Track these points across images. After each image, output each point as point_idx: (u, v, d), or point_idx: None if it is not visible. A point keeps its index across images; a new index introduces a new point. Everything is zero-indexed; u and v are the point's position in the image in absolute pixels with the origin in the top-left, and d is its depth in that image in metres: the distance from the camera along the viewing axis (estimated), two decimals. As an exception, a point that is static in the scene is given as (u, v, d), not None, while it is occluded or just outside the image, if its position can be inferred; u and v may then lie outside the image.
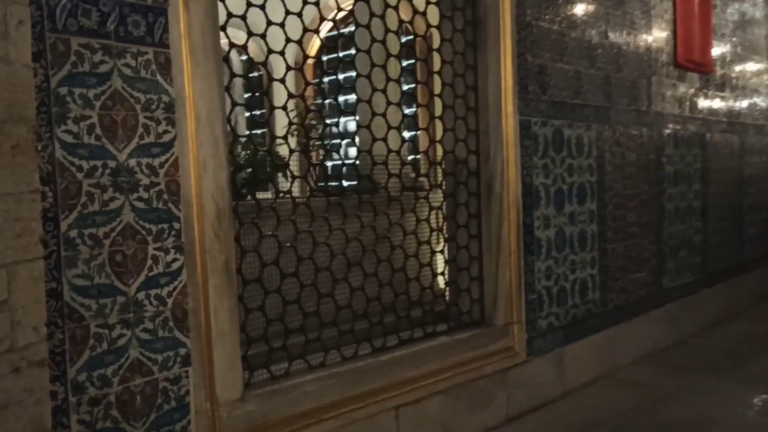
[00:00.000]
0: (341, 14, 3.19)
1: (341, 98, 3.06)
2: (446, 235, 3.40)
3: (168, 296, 2.13)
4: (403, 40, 3.84)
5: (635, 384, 4.12)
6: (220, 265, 2.29)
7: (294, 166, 2.85)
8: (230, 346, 2.32)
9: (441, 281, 3.42)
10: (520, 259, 3.58)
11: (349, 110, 3.24)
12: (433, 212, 3.32)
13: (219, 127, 2.30)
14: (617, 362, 4.39)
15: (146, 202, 2.08)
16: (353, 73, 3.10)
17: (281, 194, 2.68)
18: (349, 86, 3.23)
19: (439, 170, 3.38)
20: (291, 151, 2.81)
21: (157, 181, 2.10)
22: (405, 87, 3.62)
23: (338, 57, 3.17)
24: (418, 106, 3.18)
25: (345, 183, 3.40)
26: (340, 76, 3.12)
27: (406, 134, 3.79)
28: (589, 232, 4.15)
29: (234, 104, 2.49)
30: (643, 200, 4.74)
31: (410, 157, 3.62)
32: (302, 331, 2.69)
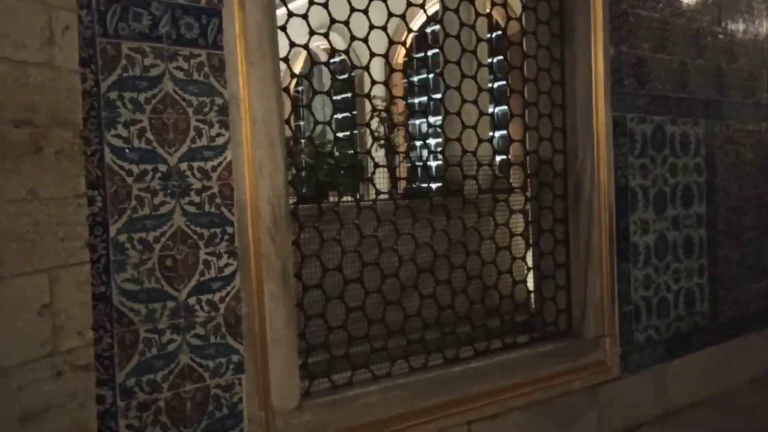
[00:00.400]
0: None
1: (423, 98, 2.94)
2: (530, 241, 3.19)
3: (220, 302, 2.10)
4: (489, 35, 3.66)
5: (750, 408, 3.72)
6: (277, 270, 2.24)
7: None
8: (287, 354, 2.26)
9: (525, 289, 3.22)
10: (613, 267, 3.31)
11: (425, 110, 3.12)
12: (515, 216, 3.12)
13: (276, 129, 2.24)
14: (730, 382, 3.97)
15: (198, 206, 2.05)
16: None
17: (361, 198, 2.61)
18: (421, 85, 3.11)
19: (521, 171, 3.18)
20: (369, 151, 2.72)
21: (209, 185, 2.07)
22: (489, 84, 3.43)
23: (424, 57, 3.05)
24: (497, 104, 2.98)
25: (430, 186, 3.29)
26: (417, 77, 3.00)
27: (494, 134, 3.60)
28: (696, 237, 3.78)
29: (295, 105, 2.44)
30: (763, 203, 4.27)
31: (497, 159, 3.44)
32: (367, 340, 2.59)
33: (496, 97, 3.22)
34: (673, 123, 3.63)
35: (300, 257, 2.42)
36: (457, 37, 2.96)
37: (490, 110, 3.22)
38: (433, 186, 3.30)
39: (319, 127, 2.69)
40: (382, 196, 2.73)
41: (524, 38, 3.19)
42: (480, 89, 2.96)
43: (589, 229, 3.24)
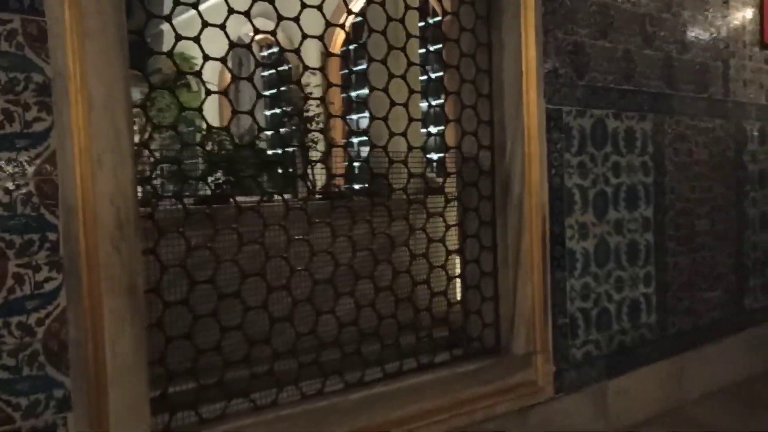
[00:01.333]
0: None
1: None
2: (449, 247, 2.83)
3: (37, 324, 1.71)
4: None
5: (704, 425, 3.41)
6: (122, 286, 1.86)
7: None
8: (133, 385, 1.88)
9: (445, 302, 2.86)
10: (546, 276, 2.97)
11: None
12: (436, 220, 2.77)
13: (122, 115, 1.86)
14: (682, 397, 3.67)
15: (6, 207, 1.67)
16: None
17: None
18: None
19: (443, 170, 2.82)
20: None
21: (22, 181, 1.69)
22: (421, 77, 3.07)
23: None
24: (411, 92, 2.63)
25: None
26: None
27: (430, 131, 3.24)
28: (642, 242, 3.46)
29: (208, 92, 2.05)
30: (718, 205, 3.98)
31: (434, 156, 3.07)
32: (247, 363, 2.22)
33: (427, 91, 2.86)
34: (616, 117, 3.31)
35: (160, 268, 2.04)
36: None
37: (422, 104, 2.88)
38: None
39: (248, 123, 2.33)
40: (284, 197, 2.37)
41: (444, 20, 2.84)
42: (410, 90, 2.62)
43: (518, 234, 2.90)
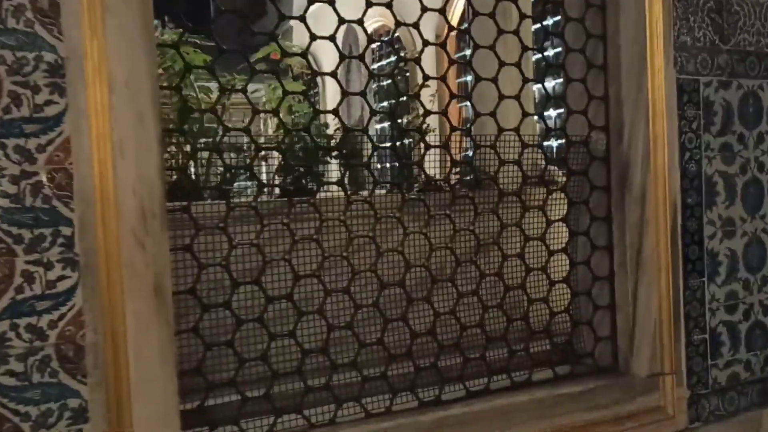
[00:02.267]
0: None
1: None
2: (551, 246, 2.41)
3: (50, 327, 1.57)
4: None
5: None
6: (147, 286, 1.67)
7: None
8: (160, 396, 1.69)
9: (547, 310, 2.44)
10: (678, 282, 2.46)
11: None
12: (532, 214, 2.37)
13: (147, 97, 1.68)
14: None
15: (14, 199, 1.53)
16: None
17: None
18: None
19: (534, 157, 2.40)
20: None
21: (32, 170, 1.55)
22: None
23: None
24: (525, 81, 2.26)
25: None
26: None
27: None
28: (811, 242, 2.81)
29: (317, 74, 1.86)
30: None
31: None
32: (300, 375, 1.97)
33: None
34: (774, 89, 2.70)
35: (197, 267, 1.84)
36: None
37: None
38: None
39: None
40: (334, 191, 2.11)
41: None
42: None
43: (641, 232, 2.42)
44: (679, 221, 2.47)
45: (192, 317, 1.83)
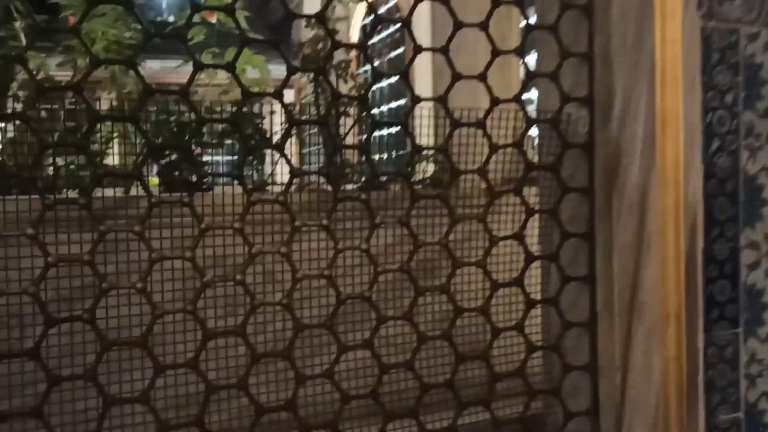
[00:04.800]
0: None
1: None
2: (499, 278, 1.62)
3: None
4: None
5: None
6: None
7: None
8: None
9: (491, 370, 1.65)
10: (696, 334, 1.64)
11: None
12: (473, 226, 1.59)
13: None
14: None
15: None
16: None
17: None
18: None
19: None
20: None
21: None
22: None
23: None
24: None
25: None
26: None
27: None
28: None
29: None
30: None
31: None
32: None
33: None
34: None
35: None
36: None
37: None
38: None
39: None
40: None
41: None
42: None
43: (637, 257, 1.61)
44: (700, 243, 1.64)
45: None
